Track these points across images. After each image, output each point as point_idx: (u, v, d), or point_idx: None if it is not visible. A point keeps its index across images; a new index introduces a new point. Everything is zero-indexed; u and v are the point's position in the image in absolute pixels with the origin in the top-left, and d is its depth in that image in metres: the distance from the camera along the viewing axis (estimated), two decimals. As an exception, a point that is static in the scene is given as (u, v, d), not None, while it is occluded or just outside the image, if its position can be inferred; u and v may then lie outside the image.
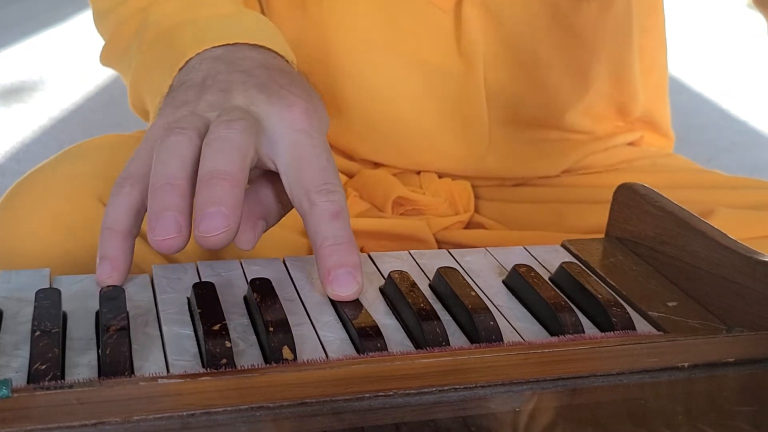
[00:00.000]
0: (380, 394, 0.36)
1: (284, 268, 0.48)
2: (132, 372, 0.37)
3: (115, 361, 0.37)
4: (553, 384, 0.38)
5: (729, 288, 0.45)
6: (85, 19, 3.65)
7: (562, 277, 0.48)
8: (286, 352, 0.38)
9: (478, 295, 0.44)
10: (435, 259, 0.50)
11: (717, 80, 3.18)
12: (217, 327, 0.39)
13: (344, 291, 0.44)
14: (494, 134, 0.74)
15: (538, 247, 0.53)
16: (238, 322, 0.42)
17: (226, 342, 0.38)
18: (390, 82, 0.72)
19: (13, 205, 0.58)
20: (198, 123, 0.47)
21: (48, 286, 0.44)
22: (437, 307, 0.44)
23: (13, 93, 2.80)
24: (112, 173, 0.59)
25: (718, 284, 0.46)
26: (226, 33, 0.56)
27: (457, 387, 0.37)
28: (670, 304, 0.46)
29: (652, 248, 0.51)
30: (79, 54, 3.18)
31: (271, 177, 0.49)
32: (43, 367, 0.36)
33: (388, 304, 0.45)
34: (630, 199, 0.52)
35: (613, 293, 0.46)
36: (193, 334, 0.41)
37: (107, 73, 2.83)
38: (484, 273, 0.49)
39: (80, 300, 0.43)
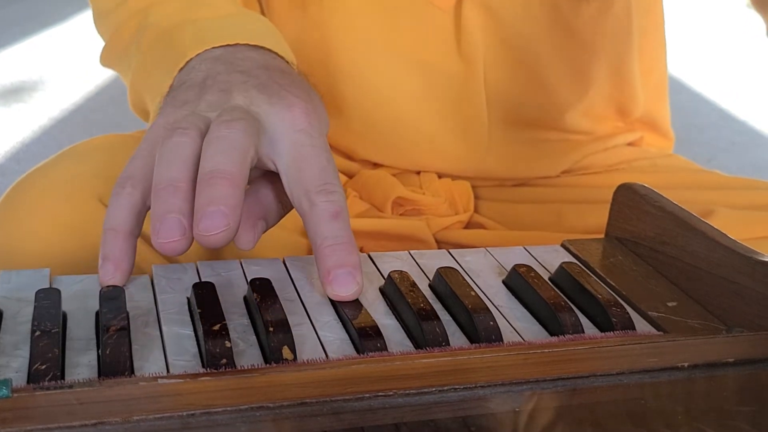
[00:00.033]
0: (380, 394, 0.36)
1: (284, 268, 0.48)
2: (132, 372, 0.37)
3: (115, 361, 0.37)
4: (553, 384, 0.38)
5: (729, 288, 0.45)
6: (85, 19, 3.65)
7: (562, 277, 0.48)
8: (286, 352, 0.38)
9: (478, 295, 0.44)
10: (435, 259, 0.50)
11: (717, 80, 3.18)
12: (217, 327, 0.39)
13: (344, 291, 0.44)
14: (494, 134, 0.74)
15: (538, 247, 0.53)
16: (238, 322, 0.42)
17: (226, 342, 0.38)
18: (390, 82, 0.72)
19: (13, 205, 0.58)
20: (199, 123, 0.47)
21: (48, 286, 0.44)
22: (437, 307, 0.44)
23: (13, 93, 2.80)
24: (112, 173, 0.59)
25: (718, 284, 0.46)
26: (227, 33, 0.56)
27: (457, 387, 0.37)
28: (670, 304, 0.46)
29: (652, 248, 0.51)
30: (79, 54, 3.18)
31: (271, 177, 0.49)
32: (43, 367, 0.36)
33: (388, 304, 0.45)
34: (630, 199, 0.52)
35: (613, 293, 0.46)
36: (193, 334, 0.41)
37: (107, 73, 2.83)
38: (484, 273, 0.49)
39: (80, 300, 0.43)
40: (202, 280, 0.45)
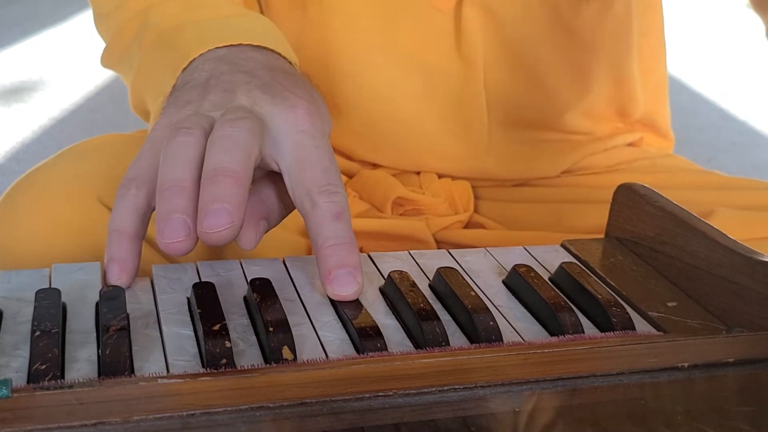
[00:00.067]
0: (380, 394, 0.36)
1: (284, 268, 0.48)
2: (132, 372, 0.37)
3: (115, 361, 0.37)
4: (553, 384, 0.38)
5: (729, 288, 0.45)
6: (85, 19, 3.65)
7: (562, 277, 0.48)
8: (286, 352, 0.38)
9: (478, 295, 0.44)
10: (435, 259, 0.50)
11: (717, 80, 3.18)
12: (217, 327, 0.39)
13: (344, 291, 0.44)
14: (494, 135, 0.74)
15: (538, 247, 0.53)
16: (238, 322, 0.42)
17: (226, 342, 0.38)
18: (390, 83, 0.72)
19: (13, 205, 0.58)
20: (203, 122, 0.47)
21: (48, 286, 0.44)
22: (437, 307, 0.44)
23: (13, 93, 2.80)
24: (112, 173, 0.60)
25: (718, 284, 0.46)
26: (229, 34, 0.56)
27: (457, 387, 0.37)
28: (669, 304, 0.46)
29: (652, 248, 0.51)
30: (79, 54, 3.18)
31: (274, 177, 0.49)
32: (43, 367, 0.36)
33: (388, 304, 0.45)
34: (630, 200, 0.52)
35: (613, 293, 0.46)
36: (193, 334, 0.41)
37: (107, 73, 2.83)
38: (484, 273, 0.49)
39: (79, 291, 0.43)
40: (202, 280, 0.45)
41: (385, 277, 0.46)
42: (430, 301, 0.43)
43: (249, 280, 0.44)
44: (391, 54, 0.71)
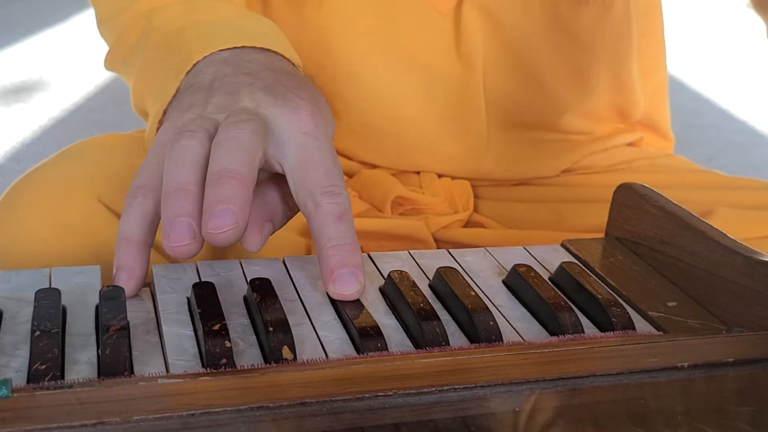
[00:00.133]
0: (380, 394, 0.36)
1: (284, 268, 0.48)
2: (132, 372, 0.37)
3: (115, 361, 0.37)
4: (553, 384, 0.38)
5: (729, 288, 0.45)
6: (85, 19, 3.66)
7: (562, 277, 0.48)
8: (286, 352, 0.38)
9: (478, 295, 0.44)
10: (435, 259, 0.50)
11: (717, 80, 3.18)
12: (216, 327, 0.39)
13: (346, 290, 0.44)
14: (493, 136, 0.74)
15: (537, 246, 0.53)
16: (237, 322, 0.42)
17: (226, 342, 0.38)
18: (389, 84, 0.72)
19: (13, 205, 0.58)
20: (207, 125, 0.47)
21: (48, 286, 0.44)
22: (437, 307, 0.44)
23: (13, 93, 2.80)
24: (112, 173, 0.60)
25: (718, 284, 0.46)
26: (232, 36, 0.56)
27: (457, 387, 0.37)
28: (670, 304, 0.46)
29: (652, 248, 0.51)
30: (79, 54, 3.18)
31: (278, 180, 0.49)
32: (43, 367, 0.36)
33: (388, 304, 0.45)
34: (630, 199, 0.52)
35: (613, 293, 0.46)
36: (192, 334, 0.41)
37: (107, 73, 2.82)
38: (483, 273, 0.49)
39: (79, 294, 0.43)
40: (202, 279, 0.45)
41: (385, 276, 0.46)
42: (430, 301, 0.43)
43: (249, 280, 0.44)
44: (391, 55, 0.71)
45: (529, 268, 0.47)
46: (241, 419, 0.34)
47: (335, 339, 0.41)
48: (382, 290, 0.46)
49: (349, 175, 0.76)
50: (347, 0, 0.70)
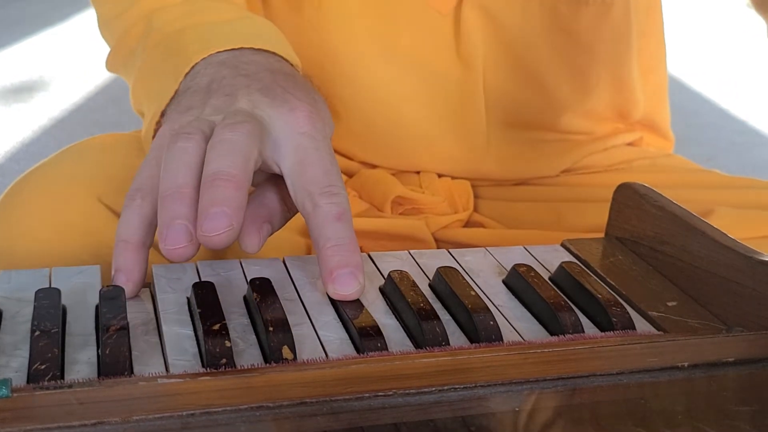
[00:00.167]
0: (380, 393, 0.36)
1: (284, 268, 0.48)
2: (131, 372, 0.37)
3: (115, 361, 0.37)
4: (553, 384, 0.38)
5: (729, 288, 0.45)
6: (85, 19, 3.66)
7: (562, 277, 0.48)
8: (286, 352, 0.38)
9: (478, 295, 0.44)
10: (435, 259, 0.50)
11: (717, 80, 3.18)
12: (216, 327, 0.39)
13: (346, 290, 0.44)
14: (493, 136, 0.74)
15: (537, 246, 0.53)
16: (237, 322, 0.42)
17: (226, 342, 0.38)
18: (388, 85, 0.72)
19: (12, 205, 0.58)
20: (204, 127, 0.47)
21: (48, 286, 0.44)
22: (437, 306, 0.44)
23: (13, 93, 2.80)
24: (111, 172, 0.60)
25: (718, 284, 0.46)
26: (231, 37, 0.56)
27: (457, 387, 0.37)
28: (670, 303, 0.46)
29: (652, 248, 0.51)
30: (79, 54, 3.18)
31: (276, 181, 0.49)
32: (43, 367, 0.36)
33: (388, 304, 0.45)
34: (630, 199, 0.52)
35: (613, 293, 0.46)
36: (192, 334, 0.41)
37: (107, 73, 2.82)
38: (484, 273, 0.49)
39: (80, 294, 0.43)
40: (202, 279, 0.45)
41: (385, 276, 0.46)
42: (430, 300, 0.43)
43: (249, 280, 0.44)
44: (390, 56, 0.71)
45: (529, 268, 0.47)
46: (241, 419, 0.34)
47: (335, 339, 0.41)
48: (382, 290, 0.46)
49: (349, 175, 0.76)
50: (347, 0, 0.70)
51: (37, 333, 0.38)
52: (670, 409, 0.37)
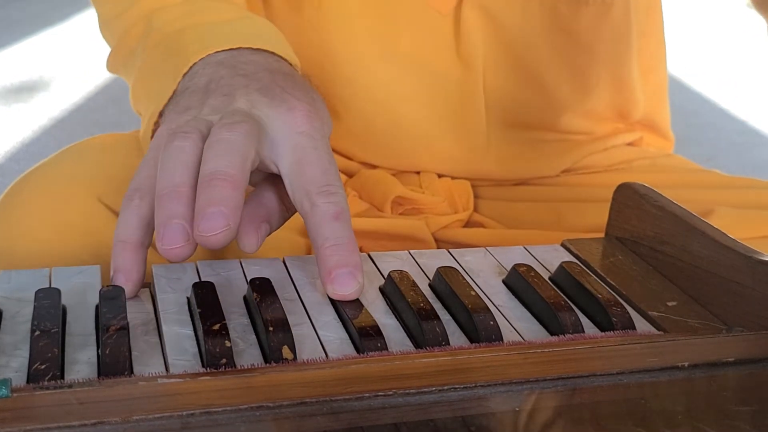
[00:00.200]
0: (380, 393, 0.36)
1: (284, 268, 0.48)
2: (131, 372, 0.37)
3: (115, 360, 0.37)
4: (553, 383, 0.38)
5: (729, 288, 0.45)
6: (85, 19, 3.66)
7: (562, 277, 0.48)
8: (286, 352, 0.38)
9: (478, 295, 0.44)
10: (435, 259, 0.50)
11: (717, 80, 3.18)
12: (216, 327, 0.39)
13: (345, 290, 0.44)
14: (492, 136, 0.74)
15: (537, 246, 0.53)
16: (237, 321, 0.42)
17: (226, 342, 0.38)
18: (388, 85, 0.72)
19: (12, 205, 0.58)
20: (201, 126, 0.47)
21: (48, 286, 0.44)
22: (437, 306, 0.44)
23: (13, 93, 2.80)
24: (111, 172, 0.60)
25: (718, 284, 0.46)
26: (229, 37, 0.56)
27: (457, 387, 0.37)
28: (670, 303, 0.46)
29: (652, 248, 0.51)
30: (79, 54, 3.18)
31: (275, 180, 0.49)
32: (43, 367, 0.36)
33: (388, 304, 0.45)
34: (630, 199, 0.52)
35: (613, 293, 0.46)
36: (192, 334, 0.41)
37: (107, 73, 2.82)
38: (483, 273, 0.49)
39: (80, 294, 0.43)
40: (202, 279, 0.45)
41: (385, 276, 0.46)
42: (430, 300, 0.43)
43: (249, 280, 0.44)
44: (390, 56, 0.71)
45: (529, 268, 0.47)
46: (241, 419, 0.34)
47: (335, 339, 0.41)
48: (382, 290, 0.46)
49: (349, 175, 0.76)
50: (347, 0, 0.70)
51: (37, 333, 0.38)
52: (670, 409, 0.37)
